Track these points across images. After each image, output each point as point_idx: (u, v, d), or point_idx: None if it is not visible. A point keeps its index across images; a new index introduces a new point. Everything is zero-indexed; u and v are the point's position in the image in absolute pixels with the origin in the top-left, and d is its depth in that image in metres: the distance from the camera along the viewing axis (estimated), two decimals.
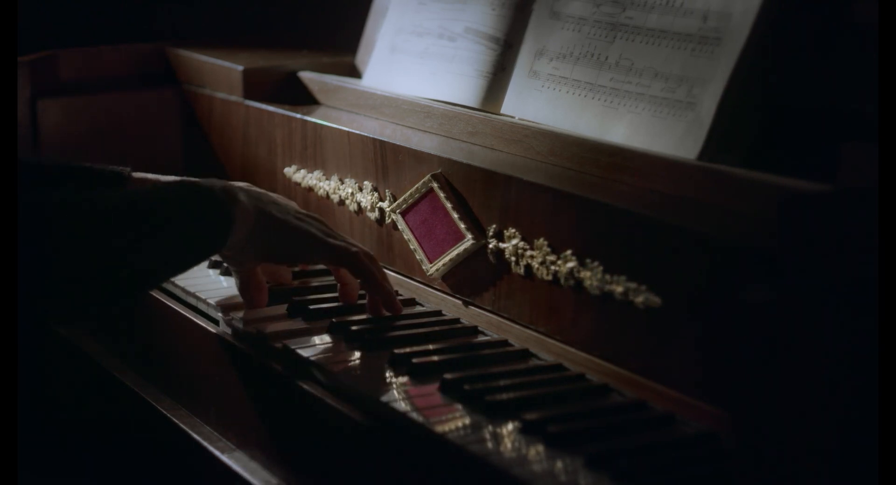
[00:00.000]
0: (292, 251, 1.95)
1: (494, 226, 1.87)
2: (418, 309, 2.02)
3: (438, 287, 2.01)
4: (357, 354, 1.84)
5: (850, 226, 1.47)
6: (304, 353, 1.83)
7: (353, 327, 1.90)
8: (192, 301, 2.10)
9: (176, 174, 2.66)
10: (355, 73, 2.47)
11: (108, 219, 1.74)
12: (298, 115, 2.32)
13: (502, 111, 2.07)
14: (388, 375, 1.77)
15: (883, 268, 1.41)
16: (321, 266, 2.12)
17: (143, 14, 3.09)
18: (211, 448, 1.95)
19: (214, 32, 3.08)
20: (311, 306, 1.98)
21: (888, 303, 1.41)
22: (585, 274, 1.70)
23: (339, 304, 2.00)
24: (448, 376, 1.71)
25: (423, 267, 2.01)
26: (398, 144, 2.07)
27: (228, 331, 1.98)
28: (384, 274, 1.97)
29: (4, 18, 1.83)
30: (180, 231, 1.80)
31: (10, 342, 1.63)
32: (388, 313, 1.94)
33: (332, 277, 2.04)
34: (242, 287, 1.99)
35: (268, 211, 1.90)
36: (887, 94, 1.52)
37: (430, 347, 1.84)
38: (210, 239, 1.85)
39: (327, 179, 2.23)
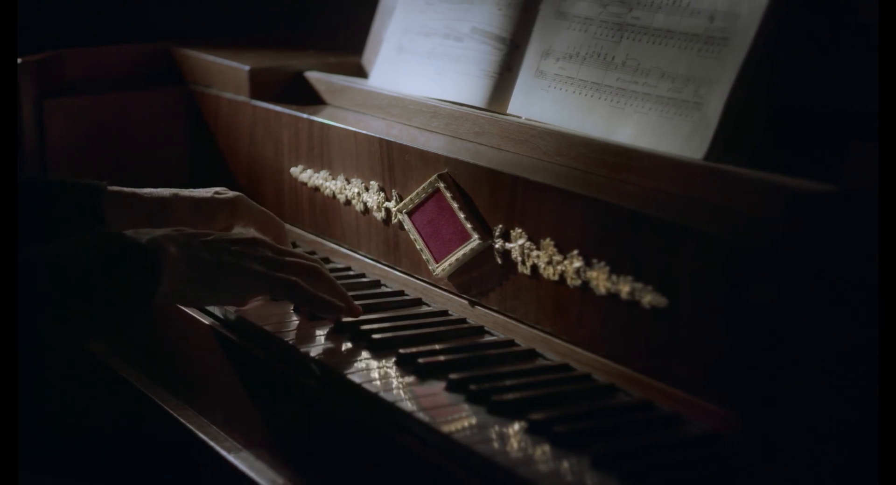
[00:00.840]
0: (232, 293, 1.90)
1: (501, 226, 1.87)
2: (424, 309, 2.02)
3: (445, 287, 2.01)
4: (363, 354, 1.84)
5: (856, 226, 1.47)
6: (309, 352, 1.83)
7: (360, 327, 1.90)
8: None
9: (182, 174, 2.68)
10: (362, 73, 2.47)
11: (35, 276, 1.72)
12: (305, 115, 2.32)
13: (509, 111, 2.07)
14: (394, 374, 1.77)
15: (884, 268, 1.41)
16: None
17: (147, 14, 3.09)
18: (217, 448, 1.94)
19: (219, 32, 3.09)
20: None
21: (891, 302, 1.41)
22: (592, 274, 1.70)
23: None
24: (454, 375, 1.71)
25: (430, 267, 2.01)
26: (405, 143, 2.07)
27: (230, 328, 1.98)
28: (333, 285, 1.92)
29: (4, 21, 1.83)
30: (105, 285, 1.76)
31: (10, 343, 1.62)
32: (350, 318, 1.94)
33: (340, 272, 2.04)
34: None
35: (199, 256, 1.84)
36: (887, 93, 1.52)
37: (437, 346, 1.84)
38: (136, 292, 1.79)
39: (334, 178, 2.23)
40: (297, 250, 2.01)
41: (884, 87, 1.54)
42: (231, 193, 2.13)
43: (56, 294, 1.73)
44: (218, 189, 2.14)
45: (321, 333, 1.91)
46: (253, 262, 1.88)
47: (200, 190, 2.14)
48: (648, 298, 1.62)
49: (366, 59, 2.49)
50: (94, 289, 1.76)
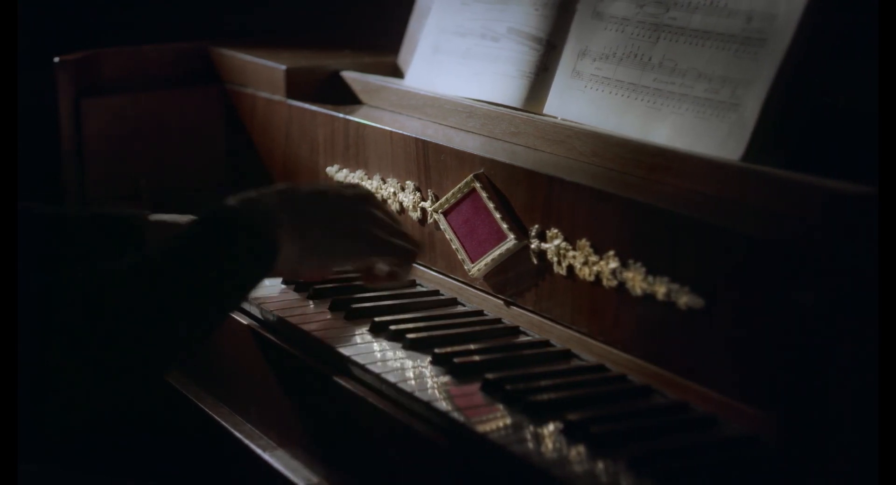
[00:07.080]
0: (349, 257, 1.91)
1: (537, 226, 1.87)
2: (459, 309, 2.02)
3: (480, 287, 2.01)
4: (398, 354, 1.84)
5: (894, 227, 1.46)
6: (345, 351, 1.84)
7: (394, 327, 1.90)
8: None
9: (218, 173, 2.69)
10: (397, 72, 2.48)
11: (150, 264, 1.67)
12: (341, 115, 2.33)
13: (545, 111, 2.07)
14: (429, 374, 1.77)
15: None
16: None
17: (183, 13, 3.10)
18: (252, 446, 1.95)
19: (256, 32, 3.10)
20: (353, 305, 1.99)
21: None
22: (628, 275, 1.70)
23: (382, 303, 2.00)
24: (490, 375, 1.71)
25: (465, 267, 2.01)
26: (440, 143, 2.07)
27: (268, 328, 1.99)
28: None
29: (4, 24, 1.83)
30: (225, 272, 1.72)
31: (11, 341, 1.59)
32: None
33: None
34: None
35: (314, 227, 1.84)
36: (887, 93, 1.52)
37: (472, 346, 1.84)
38: (254, 271, 1.77)
39: (369, 178, 2.24)
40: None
41: (884, 88, 1.54)
42: None
43: (171, 279, 1.67)
44: None
45: (358, 333, 1.92)
46: (372, 225, 1.90)
47: None
48: (685, 299, 1.62)
49: (402, 59, 2.49)
50: (216, 276, 1.71)
